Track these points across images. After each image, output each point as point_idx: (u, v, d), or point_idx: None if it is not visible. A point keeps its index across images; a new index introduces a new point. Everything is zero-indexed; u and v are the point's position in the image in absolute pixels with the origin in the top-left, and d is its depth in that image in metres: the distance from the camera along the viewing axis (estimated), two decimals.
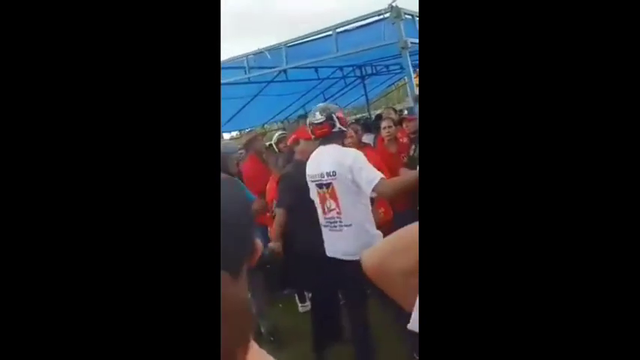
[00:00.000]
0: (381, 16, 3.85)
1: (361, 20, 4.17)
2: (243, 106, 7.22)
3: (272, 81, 6.74)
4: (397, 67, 8.75)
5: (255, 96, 7.07)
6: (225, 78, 6.17)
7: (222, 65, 6.28)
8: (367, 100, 9.60)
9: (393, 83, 11.95)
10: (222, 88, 6.44)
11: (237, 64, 5.75)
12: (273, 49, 5.00)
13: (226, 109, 6.85)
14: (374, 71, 8.68)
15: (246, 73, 5.99)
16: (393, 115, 4.88)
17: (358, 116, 10.57)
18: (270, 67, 5.96)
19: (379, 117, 5.84)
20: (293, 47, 4.99)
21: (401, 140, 3.96)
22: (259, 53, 5.05)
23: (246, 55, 5.49)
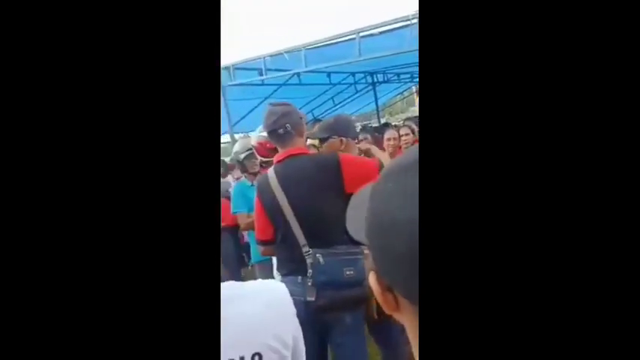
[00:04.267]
0: (408, 22, 3.82)
1: (387, 25, 4.14)
2: (254, 108, 7.14)
3: (284, 84, 6.70)
4: (408, 75, 8.71)
5: (266, 98, 6.99)
6: (240, 79, 6.15)
7: (238, 66, 6.27)
8: (377, 107, 9.53)
9: (401, 92, 11.91)
10: (236, 89, 6.41)
11: (253, 65, 5.71)
12: (293, 51, 4.94)
13: (239, 109, 6.78)
14: (385, 79, 8.64)
15: (261, 74, 5.97)
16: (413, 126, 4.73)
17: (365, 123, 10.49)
18: (285, 70, 5.94)
19: (386, 125, 5.75)
20: (312, 50, 4.94)
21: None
22: (277, 55, 4.98)
23: (264, 57, 5.43)
